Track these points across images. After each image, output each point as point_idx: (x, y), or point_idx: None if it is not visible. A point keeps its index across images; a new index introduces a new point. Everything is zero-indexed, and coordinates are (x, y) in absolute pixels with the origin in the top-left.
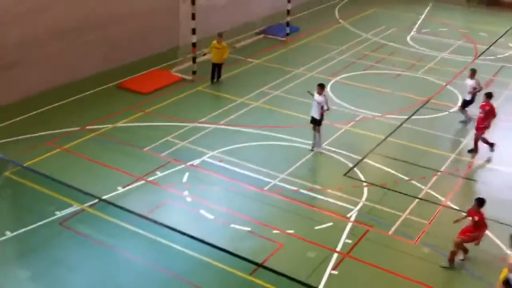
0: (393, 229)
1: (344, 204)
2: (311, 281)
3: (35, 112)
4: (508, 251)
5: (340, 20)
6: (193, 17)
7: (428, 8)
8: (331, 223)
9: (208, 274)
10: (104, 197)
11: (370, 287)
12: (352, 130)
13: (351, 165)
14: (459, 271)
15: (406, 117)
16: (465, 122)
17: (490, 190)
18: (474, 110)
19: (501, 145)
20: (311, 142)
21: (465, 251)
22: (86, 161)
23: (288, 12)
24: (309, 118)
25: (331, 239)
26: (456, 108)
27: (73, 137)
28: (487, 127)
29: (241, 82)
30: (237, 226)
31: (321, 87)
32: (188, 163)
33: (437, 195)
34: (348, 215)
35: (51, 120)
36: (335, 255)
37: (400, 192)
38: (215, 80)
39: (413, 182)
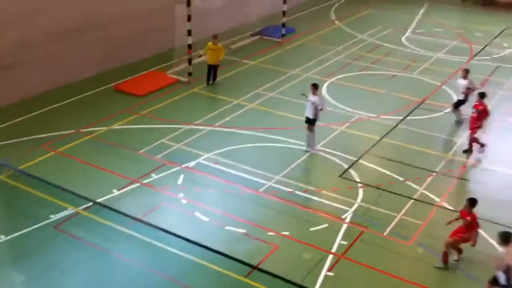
0: (388, 230)
1: (339, 206)
2: (307, 283)
3: (34, 114)
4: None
5: (336, 21)
6: (189, 18)
7: (423, 8)
8: (326, 225)
9: (203, 277)
10: (98, 200)
11: None
12: (347, 131)
13: (346, 166)
14: (454, 271)
15: (401, 117)
16: (459, 123)
17: (485, 190)
18: (467, 110)
19: (496, 145)
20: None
21: (459, 251)
22: (81, 164)
23: (284, 13)
24: (304, 119)
25: (326, 240)
26: (449, 109)
27: (68, 140)
28: (480, 126)
29: (236, 83)
30: (232, 228)
31: (315, 87)
32: (183, 165)
33: (432, 196)
34: (343, 217)
35: (49, 122)
36: (330, 257)
37: (395, 193)
38: (210, 81)
39: (408, 182)
